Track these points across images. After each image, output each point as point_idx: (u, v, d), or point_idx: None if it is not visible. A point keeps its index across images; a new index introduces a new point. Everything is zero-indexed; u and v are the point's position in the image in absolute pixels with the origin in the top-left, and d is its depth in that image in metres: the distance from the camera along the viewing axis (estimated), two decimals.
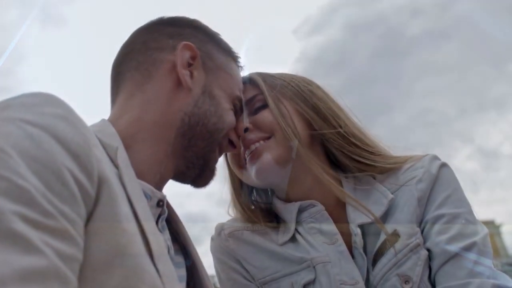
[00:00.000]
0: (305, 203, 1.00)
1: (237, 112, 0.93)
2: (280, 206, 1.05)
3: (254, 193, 1.16)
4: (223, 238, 1.06)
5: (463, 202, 0.94)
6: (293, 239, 1.01)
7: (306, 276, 0.93)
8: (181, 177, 0.86)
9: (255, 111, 1.02)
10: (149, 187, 0.74)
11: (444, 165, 0.98)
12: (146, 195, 0.72)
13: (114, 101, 0.84)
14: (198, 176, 0.86)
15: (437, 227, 0.90)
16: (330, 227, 0.98)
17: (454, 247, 0.86)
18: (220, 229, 1.08)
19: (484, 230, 0.91)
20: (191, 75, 0.82)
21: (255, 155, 0.98)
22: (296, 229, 1.02)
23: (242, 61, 0.97)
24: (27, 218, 0.40)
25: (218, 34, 0.92)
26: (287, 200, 1.05)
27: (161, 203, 0.76)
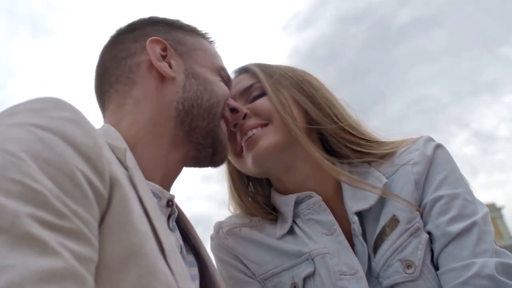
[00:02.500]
0: (302, 194, 1.00)
1: (226, 81, 0.93)
2: (277, 199, 1.05)
3: (251, 185, 1.15)
4: (221, 236, 1.06)
5: (461, 182, 0.93)
6: (291, 231, 1.01)
7: (306, 269, 0.93)
8: (196, 162, 0.87)
9: (252, 100, 1.03)
10: (157, 188, 0.75)
11: (439, 146, 0.97)
12: (155, 195, 0.73)
13: (105, 116, 0.85)
14: (213, 154, 0.86)
15: (436, 209, 0.90)
16: (328, 217, 0.97)
17: (455, 228, 0.86)
18: (218, 227, 1.08)
19: (484, 209, 0.91)
20: (170, 65, 0.83)
21: (252, 141, 0.98)
22: (294, 222, 1.02)
23: (211, 35, 0.96)
24: (42, 220, 0.41)
25: (178, 20, 0.93)
26: (285, 191, 1.04)
27: (171, 203, 0.76)
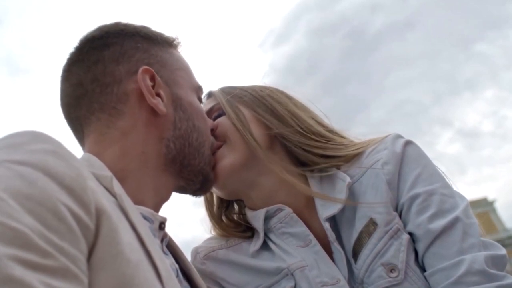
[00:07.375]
0: (272, 208, 0.96)
1: (201, 100, 0.92)
2: (249, 215, 1.02)
3: (232, 205, 1.13)
4: (199, 262, 1.02)
5: (436, 176, 0.90)
6: (267, 248, 0.98)
7: (286, 285, 0.90)
8: (181, 191, 0.89)
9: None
10: (149, 211, 0.73)
11: (408, 143, 0.94)
12: (147, 218, 0.71)
13: (83, 144, 0.80)
14: (199, 189, 0.89)
15: (414, 208, 0.87)
16: (301, 229, 0.94)
17: (437, 226, 0.83)
18: (195, 253, 1.05)
19: (464, 200, 0.88)
20: (161, 98, 0.79)
21: None
22: (269, 237, 0.99)
23: (178, 40, 0.90)
24: (24, 261, 0.39)
25: (149, 29, 0.86)
26: (255, 207, 1.01)
27: (163, 226, 0.75)
